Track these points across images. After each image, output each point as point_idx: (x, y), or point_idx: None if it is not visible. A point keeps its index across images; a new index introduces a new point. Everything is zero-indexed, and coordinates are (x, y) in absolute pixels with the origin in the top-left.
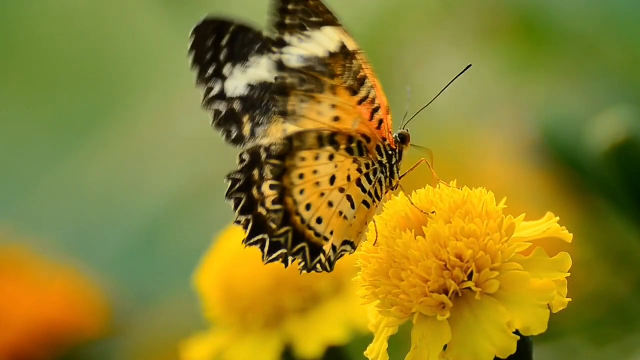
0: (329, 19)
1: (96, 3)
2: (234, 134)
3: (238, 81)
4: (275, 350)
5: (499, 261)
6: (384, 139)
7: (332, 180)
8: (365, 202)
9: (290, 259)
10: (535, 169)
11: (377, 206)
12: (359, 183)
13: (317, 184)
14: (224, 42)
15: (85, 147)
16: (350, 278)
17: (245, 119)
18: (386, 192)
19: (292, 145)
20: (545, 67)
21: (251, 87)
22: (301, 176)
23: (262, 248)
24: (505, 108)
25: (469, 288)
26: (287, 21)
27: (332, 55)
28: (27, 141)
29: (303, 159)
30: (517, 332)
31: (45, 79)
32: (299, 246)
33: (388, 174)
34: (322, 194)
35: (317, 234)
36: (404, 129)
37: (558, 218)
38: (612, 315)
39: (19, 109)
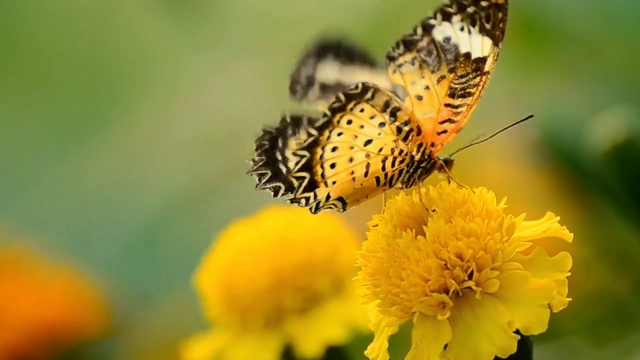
0: (495, 35)
1: (96, 3)
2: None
3: None
4: (275, 350)
5: (500, 260)
6: (432, 145)
7: (367, 143)
8: (377, 179)
9: (282, 186)
10: (535, 169)
11: (384, 190)
12: (384, 160)
13: (355, 137)
14: None
15: (85, 147)
16: (350, 277)
17: None
18: (397, 184)
19: (363, 92)
20: (545, 67)
21: None
22: (349, 122)
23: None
24: (505, 108)
25: (469, 287)
26: (469, 9)
27: (468, 57)
28: (27, 141)
29: (362, 111)
30: (517, 332)
31: (45, 79)
32: (302, 174)
33: (411, 171)
34: (352, 147)
35: (323, 175)
36: (451, 156)
37: (558, 218)
38: (612, 315)
39: (19, 108)
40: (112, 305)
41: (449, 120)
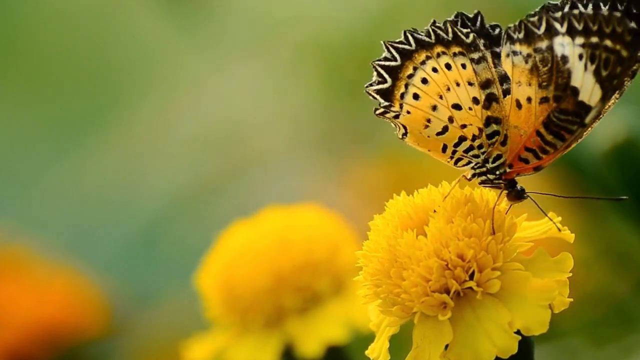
0: (605, 88)
1: (96, 3)
2: None
3: None
4: (276, 350)
5: (501, 261)
6: (510, 166)
7: (455, 107)
8: (445, 146)
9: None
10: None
11: (447, 162)
12: (461, 138)
13: (448, 89)
14: None
15: (85, 147)
16: (351, 278)
17: None
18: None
19: (472, 46)
20: None
21: None
22: (448, 66)
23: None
24: None
25: (470, 288)
26: (593, 38)
27: (575, 94)
28: (27, 141)
29: (464, 67)
30: (518, 332)
31: (45, 79)
32: (384, 74)
33: (477, 171)
34: (440, 97)
35: (402, 96)
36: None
37: (560, 218)
38: (612, 315)
39: (19, 108)
40: (112, 305)
41: (534, 152)
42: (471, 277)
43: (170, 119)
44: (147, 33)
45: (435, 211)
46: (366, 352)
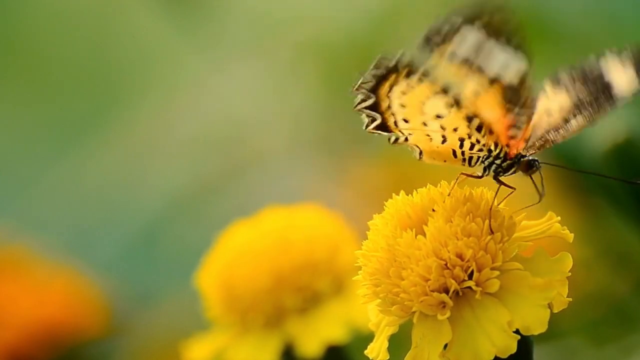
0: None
1: (96, 3)
2: None
3: None
4: (275, 350)
5: (500, 260)
6: (507, 145)
7: (438, 117)
8: (454, 151)
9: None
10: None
11: (463, 165)
12: (461, 139)
13: (423, 103)
14: None
15: (85, 147)
16: (351, 277)
17: None
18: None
19: (408, 69)
20: (545, 67)
21: None
22: (411, 87)
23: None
24: None
25: (470, 287)
26: None
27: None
28: (27, 141)
29: (420, 81)
30: (517, 332)
31: (46, 78)
32: (371, 113)
33: (486, 163)
34: (422, 113)
35: (396, 124)
36: (537, 161)
37: (559, 218)
38: (612, 315)
39: (19, 108)
40: (112, 305)
41: (515, 127)
42: (470, 276)
43: (170, 119)
44: (147, 33)
45: (434, 210)
46: (365, 352)
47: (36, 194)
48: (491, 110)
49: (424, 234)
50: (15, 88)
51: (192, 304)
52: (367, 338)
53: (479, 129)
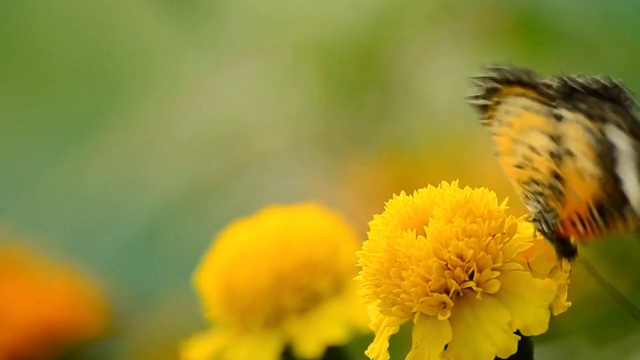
0: None
1: (96, 3)
2: None
3: None
4: (275, 350)
5: (500, 261)
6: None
7: (531, 149)
8: (519, 180)
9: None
10: None
11: (520, 192)
12: (533, 179)
13: (522, 132)
14: None
15: (85, 147)
16: (351, 277)
17: None
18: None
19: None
20: (545, 67)
21: None
22: (528, 109)
23: None
24: None
25: (470, 288)
26: None
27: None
28: (27, 141)
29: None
30: (517, 332)
31: (45, 79)
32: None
33: (541, 209)
34: (521, 133)
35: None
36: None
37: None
38: (612, 315)
39: (18, 108)
40: (112, 305)
41: (581, 221)
42: (471, 277)
43: (170, 119)
44: (147, 33)
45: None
46: (365, 352)
47: (36, 194)
48: (579, 193)
49: (425, 235)
50: (15, 88)
51: (192, 304)
52: (367, 338)
53: (553, 188)
